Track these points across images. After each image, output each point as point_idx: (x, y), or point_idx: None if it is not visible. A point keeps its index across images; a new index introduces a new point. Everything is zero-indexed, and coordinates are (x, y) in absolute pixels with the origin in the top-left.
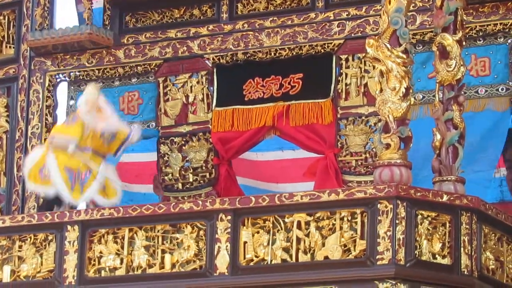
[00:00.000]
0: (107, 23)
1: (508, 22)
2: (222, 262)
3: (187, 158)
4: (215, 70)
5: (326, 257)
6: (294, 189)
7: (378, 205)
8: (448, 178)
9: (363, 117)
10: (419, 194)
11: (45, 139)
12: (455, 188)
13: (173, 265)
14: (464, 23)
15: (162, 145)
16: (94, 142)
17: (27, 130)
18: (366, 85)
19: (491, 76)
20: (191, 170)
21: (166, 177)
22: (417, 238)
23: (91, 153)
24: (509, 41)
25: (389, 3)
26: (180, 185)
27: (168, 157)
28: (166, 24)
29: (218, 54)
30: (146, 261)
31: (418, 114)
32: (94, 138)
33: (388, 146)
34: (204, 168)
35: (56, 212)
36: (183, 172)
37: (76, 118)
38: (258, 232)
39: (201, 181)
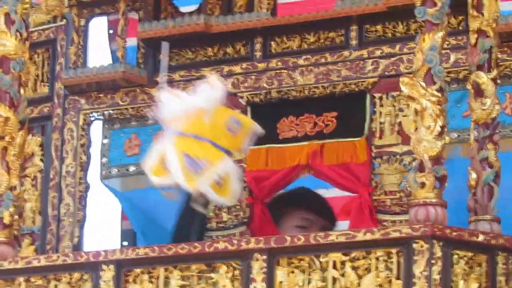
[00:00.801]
0: (140, 61)
1: None
2: None
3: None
4: (249, 109)
5: None
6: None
7: (414, 245)
8: (484, 218)
9: (398, 156)
10: (455, 233)
11: (79, 179)
12: (491, 227)
13: None
14: (498, 61)
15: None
16: (215, 133)
17: (61, 169)
18: (400, 123)
19: None
20: (225, 209)
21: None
22: (453, 278)
23: (212, 145)
24: None
25: (424, 41)
26: (214, 224)
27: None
28: (200, 62)
29: (252, 92)
30: None
31: (454, 153)
32: (215, 127)
33: (423, 185)
34: (238, 207)
35: (91, 252)
36: (217, 211)
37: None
38: (293, 272)
39: (235, 220)
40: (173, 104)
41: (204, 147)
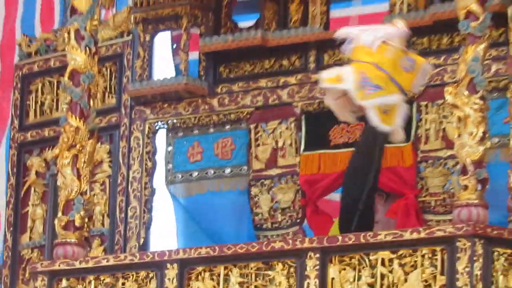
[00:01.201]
0: (202, 73)
1: None
2: None
3: (276, 199)
4: (303, 117)
5: None
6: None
7: (457, 243)
8: None
9: (442, 160)
10: (495, 232)
11: (145, 184)
12: None
13: None
14: None
15: (253, 187)
16: (393, 69)
17: (128, 175)
18: (444, 130)
19: None
20: (280, 210)
21: (256, 217)
22: (494, 274)
23: (388, 77)
24: None
25: (466, 52)
26: (269, 224)
27: (258, 198)
28: (257, 74)
29: (306, 102)
30: None
31: (495, 158)
32: (393, 64)
33: (466, 187)
34: (292, 208)
35: (156, 252)
36: (272, 212)
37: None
38: (344, 269)
39: (289, 221)
40: (363, 35)
41: (383, 77)
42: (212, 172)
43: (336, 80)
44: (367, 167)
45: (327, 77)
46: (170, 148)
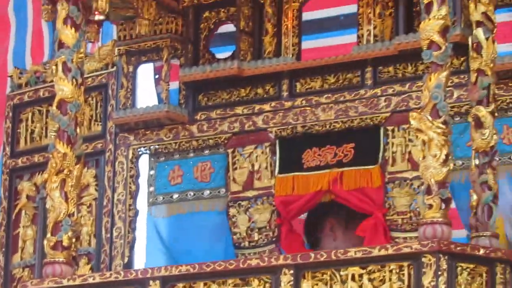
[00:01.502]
0: (182, 102)
1: None
2: None
3: (253, 219)
4: (277, 142)
5: None
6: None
7: (423, 259)
8: (484, 234)
9: (408, 181)
10: (458, 248)
11: (129, 206)
12: (491, 242)
13: None
14: (496, 96)
15: (231, 208)
16: None
17: (113, 197)
18: (410, 152)
19: None
20: (257, 230)
21: (234, 236)
22: (457, 287)
23: None
24: None
25: (430, 80)
26: (247, 243)
27: (236, 219)
28: (234, 102)
29: (280, 128)
30: None
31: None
32: None
33: (430, 206)
34: (268, 228)
35: (139, 269)
36: (249, 232)
37: None
38: (317, 284)
39: (266, 240)
40: None
41: None
42: (192, 194)
43: None
44: None
45: None
46: (152, 172)
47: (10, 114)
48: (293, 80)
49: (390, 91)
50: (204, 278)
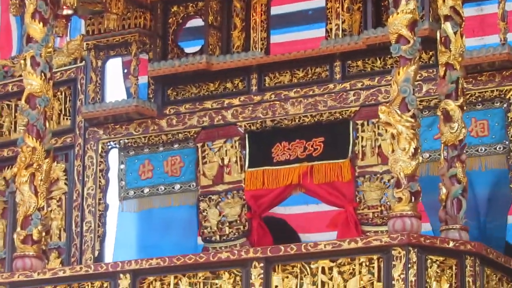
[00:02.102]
0: (151, 96)
1: (504, 89)
2: None
3: (224, 213)
4: (246, 136)
5: None
6: (318, 239)
7: (393, 252)
8: (454, 227)
9: (378, 175)
10: (428, 241)
11: (99, 200)
12: (460, 235)
13: None
14: (464, 90)
15: (201, 202)
16: None
17: (83, 191)
18: (379, 146)
19: (489, 136)
20: (227, 224)
21: (205, 230)
22: (427, 280)
23: None
24: (504, 105)
25: (398, 74)
26: (217, 237)
27: (206, 213)
28: (203, 96)
29: (249, 122)
30: None
31: (426, 171)
32: None
33: (400, 199)
34: (238, 221)
35: (109, 263)
36: (220, 226)
37: None
38: (287, 277)
39: (236, 233)
40: None
41: None
42: (163, 188)
43: None
44: None
45: None
46: (122, 166)
47: None
48: (262, 75)
49: (359, 85)
50: (174, 271)
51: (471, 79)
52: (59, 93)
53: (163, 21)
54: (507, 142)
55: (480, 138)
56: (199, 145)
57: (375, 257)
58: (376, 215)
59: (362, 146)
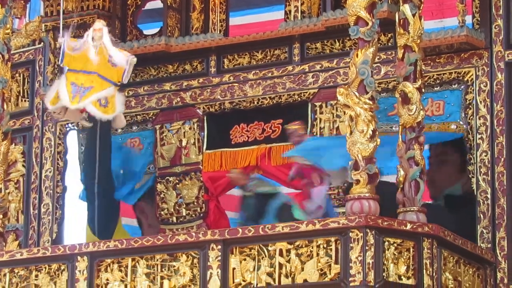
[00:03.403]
0: None
1: (462, 71)
2: (214, 286)
3: (181, 195)
4: (205, 118)
5: (305, 280)
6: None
7: (350, 234)
8: (411, 209)
9: None
10: (385, 223)
11: (57, 182)
12: (418, 217)
13: None
14: (423, 72)
15: (158, 184)
16: (101, 68)
17: (41, 173)
18: (338, 128)
19: (444, 115)
20: (184, 205)
21: (162, 212)
22: (385, 262)
23: (98, 76)
24: (462, 87)
25: (357, 56)
26: (174, 219)
27: (164, 194)
28: (162, 78)
29: (208, 104)
30: (147, 287)
31: None
32: (101, 63)
33: (357, 181)
34: (195, 203)
35: (67, 245)
36: (177, 207)
37: (84, 45)
38: (245, 259)
39: (193, 215)
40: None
41: (92, 79)
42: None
43: (55, 100)
44: (93, 152)
45: (49, 100)
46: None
47: None
48: (221, 56)
49: (317, 67)
50: (132, 253)
51: (429, 61)
52: (17, 75)
53: (122, 2)
54: (461, 123)
55: (434, 117)
56: (157, 127)
57: (332, 239)
58: (334, 197)
59: (321, 128)
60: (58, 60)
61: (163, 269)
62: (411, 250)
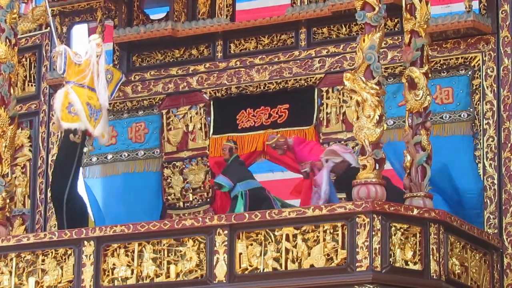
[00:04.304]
0: (116, 63)
1: (469, 56)
2: (221, 271)
3: (187, 180)
4: (211, 103)
5: (312, 265)
6: None
7: (357, 219)
8: (418, 194)
9: (343, 142)
10: (392, 208)
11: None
12: (424, 203)
13: (178, 275)
14: (429, 57)
15: (165, 169)
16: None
17: (47, 158)
18: (344, 113)
19: (454, 103)
20: (191, 190)
21: (169, 197)
22: (391, 247)
23: (90, 90)
24: (469, 72)
25: (364, 41)
26: (181, 204)
27: (170, 179)
28: (168, 63)
29: (214, 89)
30: (154, 272)
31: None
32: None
33: (364, 166)
34: (202, 188)
35: (74, 229)
36: (184, 192)
37: (83, 60)
38: (251, 244)
39: (200, 200)
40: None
41: (95, 97)
42: (126, 154)
43: (73, 120)
44: (68, 165)
45: (61, 116)
46: None
47: None
48: (227, 41)
49: (324, 52)
50: (138, 238)
51: (436, 47)
52: (24, 59)
53: None
54: (471, 109)
55: (444, 105)
56: (163, 111)
57: (339, 224)
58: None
59: (327, 113)
60: (56, 67)
61: (169, 254)
62: (418, 235)
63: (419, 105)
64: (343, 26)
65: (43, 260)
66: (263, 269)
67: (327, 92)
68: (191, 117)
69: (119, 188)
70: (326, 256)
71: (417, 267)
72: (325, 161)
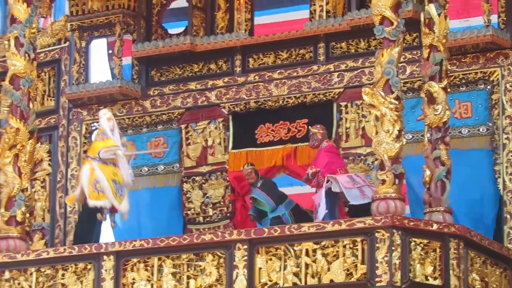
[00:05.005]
0: (135, 77)
1: (487, 71)
2: (240, 286)
3: (207, 195)
4: (230, 117)
5: (332, 280)
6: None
7: (376, 234)
8: (438, 209)
9: (362, 157)
10: (412, 223)
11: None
12: (444, 218)
13: None
14: (448, 72)
15: (185, 183)
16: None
17: (67, 173)
18: (363, 128)
19: (473, 118)
20: (211, 205)
21: (188, 212)
22: (411, 263)
23: (114, 166)
24: (488, 87)
25: (382, 55)
26: (201, 218)
27: (190, 194)
28: (187, 77)
29: (233, 103)
30: (174, 286)
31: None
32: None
33: (383, 181)
34: (222, 203)
35: (93, 244)
36: (203, 207)
37: (106, 134)
38: (271, 259)
39: (220, 215)
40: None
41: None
42: (146, 169)
43: (99, 198)
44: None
45: (91, 196)
46: None
47: None
48: (246, 56)
49: (342, 66)
50: (158, 253)
51: (455, 61)
52: (43, 74)
53: (147, 1)
54: (490, 124)
55: (463, 120)
56: (182, 126)
57: (358, 239)
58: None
59: (346, 128)
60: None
61: (189, 269)
62: (438, 250)
63: (438, 119)
64: (361, 40)
65: (63, 275)
66: (283, 284)
67: (346, 106)
68: (210, 132)
69: (139, 202)
70: (346, 271)
71: (437, 282)
72: (327, 181)
